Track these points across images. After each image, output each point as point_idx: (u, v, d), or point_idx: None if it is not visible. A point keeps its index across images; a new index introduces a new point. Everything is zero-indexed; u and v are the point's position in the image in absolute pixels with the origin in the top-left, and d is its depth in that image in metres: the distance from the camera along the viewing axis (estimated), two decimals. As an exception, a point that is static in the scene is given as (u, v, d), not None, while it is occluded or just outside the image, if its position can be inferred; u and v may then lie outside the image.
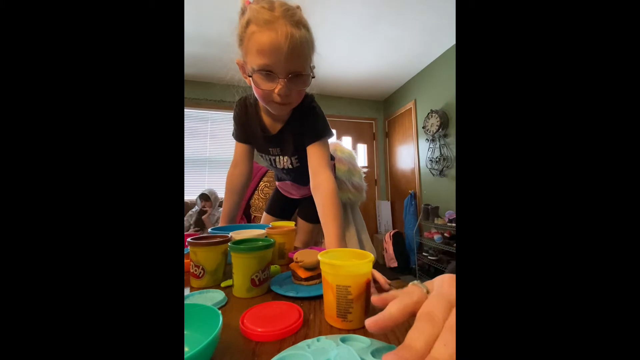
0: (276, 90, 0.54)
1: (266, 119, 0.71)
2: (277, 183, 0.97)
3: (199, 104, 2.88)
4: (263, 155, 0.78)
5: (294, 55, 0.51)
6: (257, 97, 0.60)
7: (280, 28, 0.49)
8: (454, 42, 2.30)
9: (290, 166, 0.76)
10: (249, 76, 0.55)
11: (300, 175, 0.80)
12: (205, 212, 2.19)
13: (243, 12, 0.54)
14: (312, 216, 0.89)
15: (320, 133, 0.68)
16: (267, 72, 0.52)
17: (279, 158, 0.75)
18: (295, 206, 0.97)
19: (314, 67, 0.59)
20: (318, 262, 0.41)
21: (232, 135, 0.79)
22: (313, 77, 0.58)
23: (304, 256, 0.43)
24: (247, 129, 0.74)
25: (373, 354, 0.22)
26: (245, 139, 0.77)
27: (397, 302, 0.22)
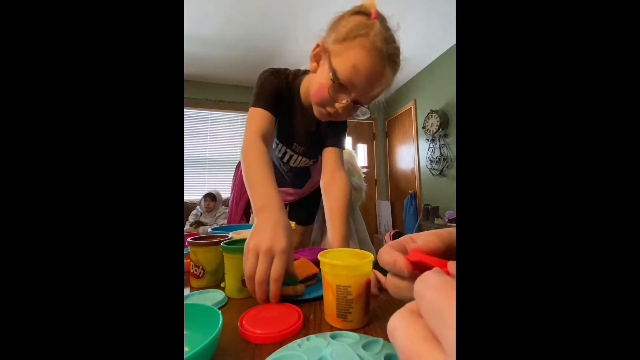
0: (337, 106, 0.53)
1: (304, 111, 0.65)
2: None
3: (199, 104, 2.88)
4: (280, 145, 0.69)
5: (372, 94, 0.53)
6: (311, 91, 0.57)
7: (383, 68, 0.50)
8: (453, 42, 2.30)
9: (299, 166, 0.73)
10: (332, 81, 0.50)
11: (300, 175, 0.78)
12: (201, 223, 2.18)
13: (365, 14, 0.51)
14: (305, 219, 0.87)
15: (343, 144, 0.70)
16: (344, 86, 0.51)
17: (297, 157, 0.71)
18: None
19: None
20: (312, 274, 0.41)
21: (254, 102, 0.60)
22: (365, 111, 0.60)
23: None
24: (284, 106, 0.63)
25: (364, 347, 0.23)
26: (277, 112, 0.61)
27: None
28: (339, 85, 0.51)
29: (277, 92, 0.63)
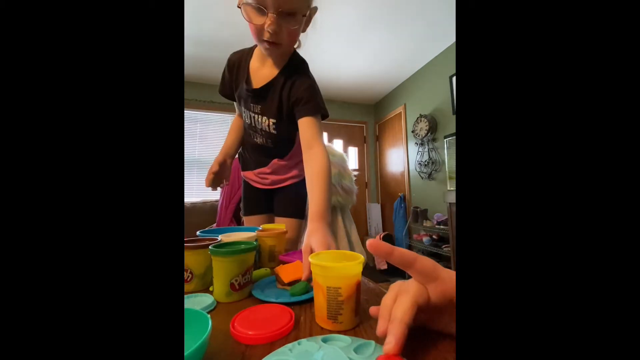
0: (266, 26, 0.54)
1: (253, 72, 0.70)
2: (242, 174, 0.91)
3: (188, 104, 2.82)
4: (245, 111, 0.75)
5: None
6: (252, 35, 0.59)
7: None
8: (442, 49, 2.37)
9: (267, 129, 0.73)
10: (238, 7, 0.55)
11: (275, 149, 0.77)
12: None
13: None
14: (290, 209, 0.84)
15: (316, 109, 0.65)
16: (258, 6, 0.52)
17: (260, 117, 0.72)
18: (268, 196, 0.89)
19: (315, 8, 0.58)
20: (300, 279, 0.41)
21: (219, 91, 0.79)
22: (304, 16, 0.56)
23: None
24: (239, 75, 0.72)
25: (356, 350, 0.23)
26: (230, 94, 0.76)
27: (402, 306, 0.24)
28: (252, 9, 0.53)
29: (230, 68, 0.73)
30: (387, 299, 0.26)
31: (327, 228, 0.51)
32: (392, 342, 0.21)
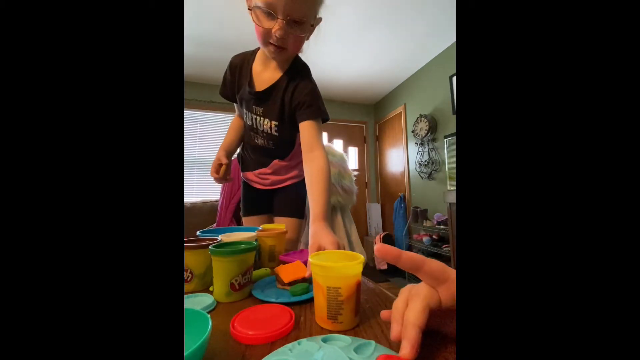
0: (274, 30, 0.55)
1: (256, 75, 0.71)
2: (242, 174, 0.92)
3: (188, 104, 2.82)
4: (247, 113, 0.76)
5: (298, 4, 0.53)
6: (257, 37, 0.60)
7: None
8: (442, 49, 2.37)
9: (269, 131, 0.73)
10: (249, 9, 0.56)
11: (276, 151, 0.78)
12: None
13: None
14: (290, 208, 0.85)
15: (317, 113, 0.67)
16: (268, 11, 0.53)
17: (261, 119, 0.73)
18: (268, 197, 0.89)
19: (320, 18, 0.61)
20: (301, 278, 0.41)
21: (220, 92, 0.80)
22: (312, 25, 0.58)
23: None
24: (241, 77, 0.73)
25: (356, 350, 0.23)
26: (232, 95, 0.76)
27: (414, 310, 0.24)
28: (262, 12, 0.54)
29: (232, 70, 0.74)
30: (398, 303, 0.26)
31: (330, 228, 0.52)
32: (407, 347, 0.21)
